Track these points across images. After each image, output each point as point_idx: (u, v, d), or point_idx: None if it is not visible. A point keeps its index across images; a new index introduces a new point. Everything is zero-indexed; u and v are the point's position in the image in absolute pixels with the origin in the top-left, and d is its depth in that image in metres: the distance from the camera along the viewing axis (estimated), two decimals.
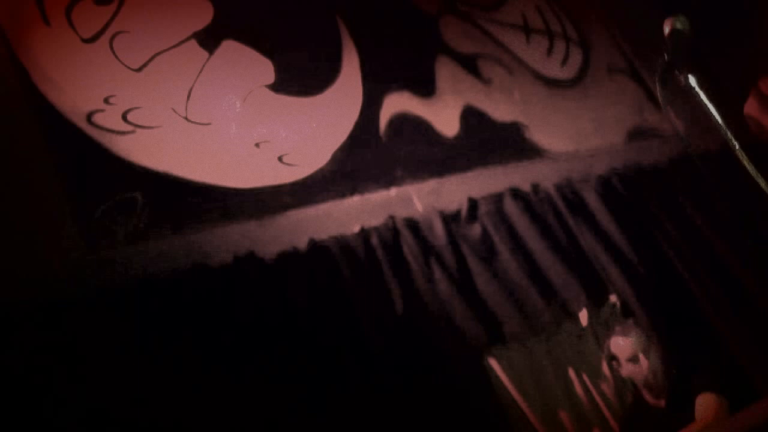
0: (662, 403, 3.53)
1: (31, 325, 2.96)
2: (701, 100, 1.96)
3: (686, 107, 2.07)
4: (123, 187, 3.53)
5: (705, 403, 3.29)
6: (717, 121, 1.95)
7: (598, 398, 3.94)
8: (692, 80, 1.98)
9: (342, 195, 4.06)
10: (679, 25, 2.11)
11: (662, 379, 3.51)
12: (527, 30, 5.32)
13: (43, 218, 3.32)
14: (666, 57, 2.04)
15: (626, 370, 3.58)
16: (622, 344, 3.53)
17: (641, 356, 3.48)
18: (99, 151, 3.58)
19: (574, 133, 4.97)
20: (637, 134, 5.18)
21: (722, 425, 2.81)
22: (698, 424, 3.20)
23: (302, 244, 3.69)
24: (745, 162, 1.91)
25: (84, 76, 3.70)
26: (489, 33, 5.16)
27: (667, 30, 2.12)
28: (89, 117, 3.64)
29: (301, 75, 4.32)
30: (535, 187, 4.45)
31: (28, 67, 3.60)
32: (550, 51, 5.31)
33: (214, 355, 3.20)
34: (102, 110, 3.67)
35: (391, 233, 3.93)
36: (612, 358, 3.66)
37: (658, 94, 2.04)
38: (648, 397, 3.57)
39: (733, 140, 1.92)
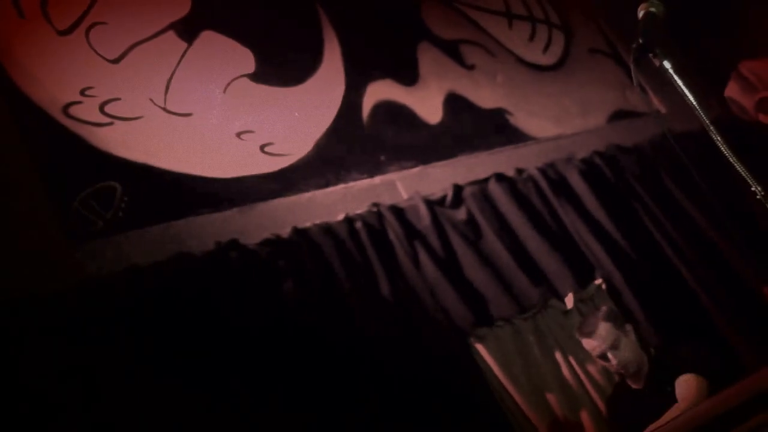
0: (640, 385, 3.54)
1: (9, 316, 2.94)
2: (675, 81, 1.98)
3: (668, 88, 2.08)
4: (101, 178, 3.52)
5: (686, 384, 3.29)
6: (690, 101, 1.96)
7: (585, 380, 3.94)
8: (666, 63, 1.99)
9: (326, 183, 4.06)
10: (653, 9, 2.12)
11: (636, 368, 3.51)
12: (509, 16, 5.31)
13: (20, 210, 3.30)
14: (640, 40, 2.05)
15: (599, 364, 3.61)
16: (587, 343, 3.53)
17: (610, 354, 3.47)
18: (76, 143, 3.57)
19: (557, 117, 4.98)
20: (619, 115, 5.20)
21: (703, 405, 2.81)
22: (681, 405, 3.22)
23: (286, 232, 3.69)
24: (719, 142, 1.92)
25: (60, 68, 3.69)
26: (471, 19, 5.15)
27: (641, 13, 2.13)
28: (66, 109, 3.62)
29: (282, 64, 4.31)
30: (520, 171, 4.46)
31: (3, 60, 3.58)
32: (532, 36, 5.31)
33: (197, 342, 3.20)
34: (79, 102, 3.66)
35: (375, 219, 3.93)
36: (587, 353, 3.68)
37: (633, 77, 2.05)
38: (629, 380, 3.59)
39: (707, 120, 1.94)
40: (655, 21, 2.12)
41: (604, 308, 3.70)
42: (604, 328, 3.47)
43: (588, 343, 3.52)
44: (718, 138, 1.93)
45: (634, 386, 3.56)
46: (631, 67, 2.06)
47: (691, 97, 1.97)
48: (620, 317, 3.62)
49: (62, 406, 2.85)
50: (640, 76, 2.05)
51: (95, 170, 3.53)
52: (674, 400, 3.28)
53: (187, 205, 3.66)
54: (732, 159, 1.91)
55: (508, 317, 3.95)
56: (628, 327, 3.58)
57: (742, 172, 1.93)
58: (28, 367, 2.87)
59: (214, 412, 3.07)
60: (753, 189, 1.95)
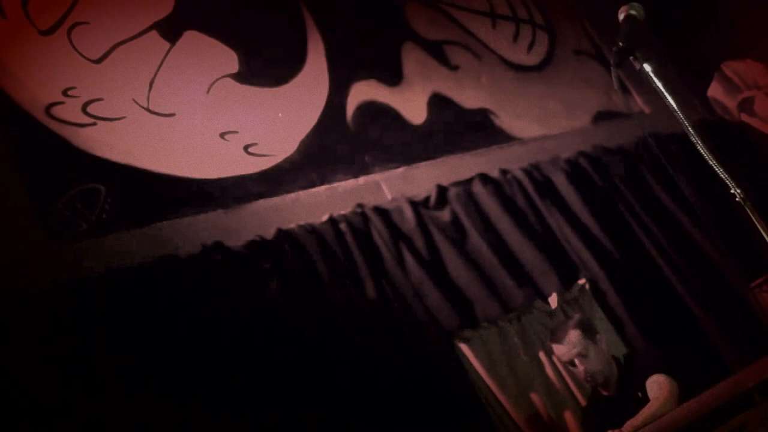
0: (612, 392, 3.57)
1: None
2: (655, 83, 1.99)
3: (653, 89, 2.09)
4: (84, 179, 3.50)
5: (657, 385, 3.35)
6: (670, 104, 1.97)
7: (569, 380, 3.96)
8: (646, 66, 2.00)
9: (310, 184, 4.06)
10: (633, 12, 2.13)
11: (603, 378, 3.54)
12: (493, 16, 5.32)
13: (2, 212, 3.28)
14: (620, 43, 2.06)
15: (565, 371, 3.65)
16: (556, 349, 3.57)
17: (577, 361, 3.51)
18: (59, 144, 3.55)
19: (541, 117, 4.99)
20: (604, 116, 5.22)
21: (687, 405, 2.84)
22: (654, 404, 3.25)
23: (270, 233, 3.68)
24: (699, 145, 1.93)
25: (42, 68, 3.67)
26: (455, 19, 5.16)
27: (621, 17, 2.14)
28: (48, 109, 3.60)
29: (266, 65, 4.31)
30: (504, 172, 4.46)
31: None
32: (516, 37, 5.32)
33: (181, 345, 3.19)
34: (61, 102, 3.64)
35: (360, 220, 3.93)
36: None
37: (614, 80, 2.06)
38: (600, 389, 3.62)
39: (686, 123, 1.95)
40: (636, 24, 2.13)
41: (577, 316, 3.74)
42: (574, 335, 3.51)
43: (557, 349, 3.58)
44: (698, 141, 1.94)
45: (604, 393, 3.60)
46: (612, 70, 2.07)
47: (671, 100, 1.98)
48: (592, 327, 3.65)
49: (43, 406, 2.83)
50: (624, 77, 2.06)
51: (78, 171, 3.52)
52: (645, 404, 3.31)
53: (171, 206, 3.64)
54: (712, 162, 1.92)
55: (493, 318, 3.96)
56: (600, 337, 3.61)
57: (722, 175, 1.94)
58: (9, 367, 2.84)
59: (197, 413, 3.06)
60: (733, 191, 1.96)
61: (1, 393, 2.79)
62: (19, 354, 2.89)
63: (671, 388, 3.28)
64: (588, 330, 3.57)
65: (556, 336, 3.57)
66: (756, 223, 1.97)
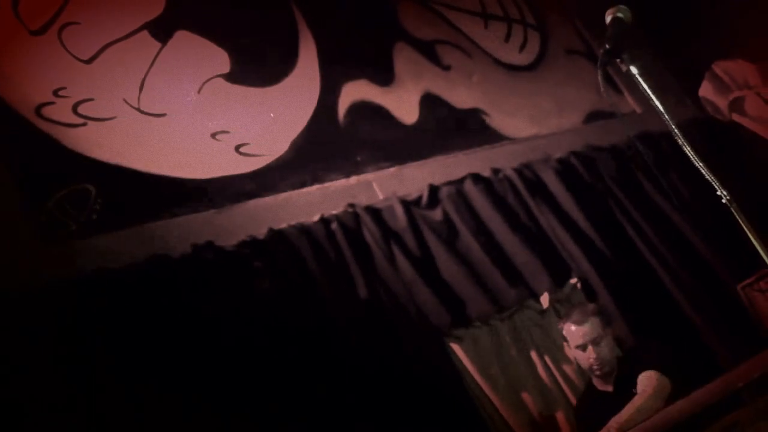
0: (610, 388, 3.58)
1: None
2: (641, 86, 2.00)
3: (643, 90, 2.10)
4: (75, 179, 3.49)
5: (647, 380, 3.35)
6: (656, 106, 1.98)
7: (560, 380, 3.97)
8: (633, 68, 2.02)
9: (302, 184, 4.06)
10: (620, 14, 2.14)
11: (609, 368, 3.55)
12: (485, 16, 5.33)
13: None
14: (607, 45, 2.07)
15: (573, 353, 3.63)
16: (573, 331, 3.56)
17: (590, 347, 3.51)
18: (49, 144, 3.54)
19: (533, 117, 5.00)
20: (596, 115, 5.23)
21: (678, 404, 2.85)
22: (637, 400, 3.26)
23: (262, 233, 3.68)
24: (685, 147, 1.94)
25: (32, 68, 3.66)
26: (447, 19, 5.16)
27: (608, 19, 2.16)
28: (38, 110, 3.60)
29: (258, 65, 4.30)
30: (496, 171, 4.47)
31: None
32: (508, 37, 5.33)
33: (173, 346, 3.19)
34: (52, 103, 3.63)
35: (352, 220, 3.93)
36: (564, 339, 3.70)
37: (600, 82, 2.08)
38: (597, 382, 3.62)
39: (673, 125, 1.96)
40: (623, 26, 2.14)
41: (593, 305, 3.75)
42: (594, 321, 3.53)
43: (577, 330, 3.53)
44: (684, 142, 1.95)
45: (601, 389, 3.60)
46: (599, 72, 2.08)
47: (656, 101, 1.99)
48: (608, 318, 3.68)
49: (31, 405, 2.83)
50: (616, 77, 2.07)
51: (68, 172, 3.51)
52: None
53: (162, 206, 3.64)
54: (697, 163, 1.93)
55: (485, 317, 3.96)
56: (609, 330, 3.63)
57: (708, 177, 1.95)
58: None
59: (187, 411, 3.06)
60: (719, 193, 1.97)
61: None
62: (8, 353, 2.88)
63: (659, 384, 3.28)
64: (605, 319, 3.60)
65: (575, 318, 3.56)
66: (742, 224, 1.98)
